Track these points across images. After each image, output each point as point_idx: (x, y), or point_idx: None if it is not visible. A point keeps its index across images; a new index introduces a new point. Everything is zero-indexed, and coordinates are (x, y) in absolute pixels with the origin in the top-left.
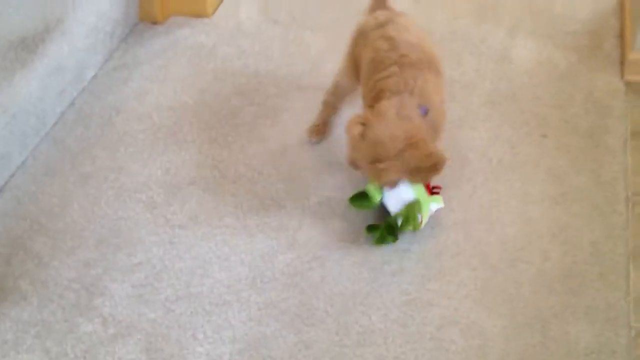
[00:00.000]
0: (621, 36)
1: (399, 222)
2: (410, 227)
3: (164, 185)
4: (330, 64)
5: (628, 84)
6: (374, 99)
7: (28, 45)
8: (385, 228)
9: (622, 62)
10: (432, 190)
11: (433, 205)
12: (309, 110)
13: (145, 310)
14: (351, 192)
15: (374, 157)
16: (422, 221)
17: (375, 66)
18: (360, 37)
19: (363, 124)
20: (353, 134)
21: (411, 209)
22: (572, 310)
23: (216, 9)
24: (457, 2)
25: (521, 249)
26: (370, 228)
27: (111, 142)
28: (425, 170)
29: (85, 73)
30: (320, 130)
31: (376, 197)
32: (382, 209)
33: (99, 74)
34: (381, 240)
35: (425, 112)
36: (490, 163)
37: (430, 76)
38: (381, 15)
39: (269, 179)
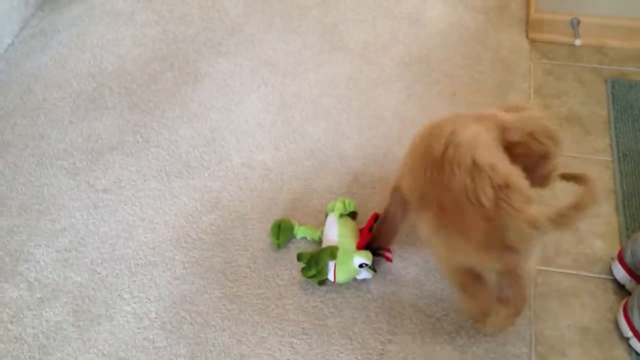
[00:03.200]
0: None
1: (303, 265)
2: (315, 277)
3: (86, 151)
4: (249, 27)
5: (532, 42)
6: None
7: None
8: (308, 261)
9: (527, 21)
10: (368, 246)
11: (358, 259)
12: (229, 75)
13: (71, 273)
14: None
15: None
16: (334, 273)
17: None
18: None
19: None
20: None
21: (319, 255)
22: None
23: None
24: None
25: None
26: (301, 256)
27: (31, 109)
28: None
29: (0, 41)
30: None
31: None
32: None
33: (16, 42)
34: (307, 273)
35: None
36: (404, 122)
37: None
38: None
39: (192, 142)
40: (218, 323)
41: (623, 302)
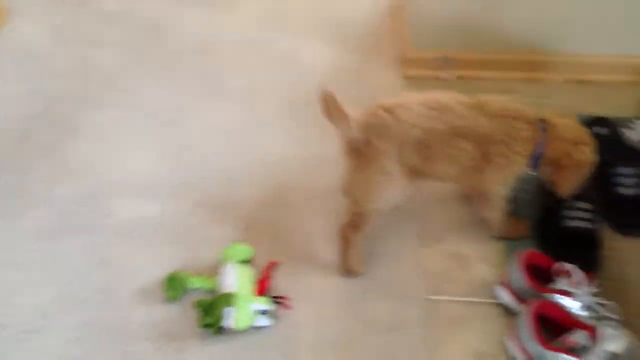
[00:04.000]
0: (399, 36)
1: (199, 314)
2: (211, 325)
3: None
4: (125, 79)
5: (407, 79)
6: None
7: None
8: (204, 309)
9: (402, 59)
10: (265, 291)
11: (256, 306)
12: (108, 128)
13: None
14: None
15: None
16: (232, 321)
17: None
18: None
19: None
20: None
21: (215, 303)
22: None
23: (1, 28)
24: (245, 11)
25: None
26: (197, 304)
27: None
28: None
29: None
30: None
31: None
32: None
33: None
34: (203, 321)
35: None
36: (290, 164)
37: None
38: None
39: (73, 198)
40: None
41: (510, 325)
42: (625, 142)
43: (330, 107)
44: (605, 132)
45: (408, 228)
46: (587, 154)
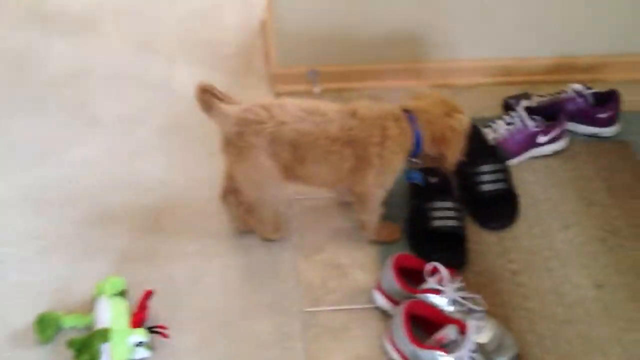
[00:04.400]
0: (266, 54)
1: (73, 354)
2: None
3: None
4: None
5: (278, 95)
6: None
7: None
8: (79, 348)
9: (271, 76)
10: (141, 322)
11: (133, 338)
12: None
13: None
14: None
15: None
16: (109, 357)
17: None
18: None
19: None
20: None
21: (89, 340)
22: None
23: None
24: (116, 37)
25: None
26: (71, 343)
27: None
28: None
29: None
30: None
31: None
32: None
33: None
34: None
35: None
36: (169, 189)
37: None
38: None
39: None
40: None
41: (386, 327)
42: (486, 141)
43: (207, 100)
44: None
45: (286, 240)
46: (463, 120)
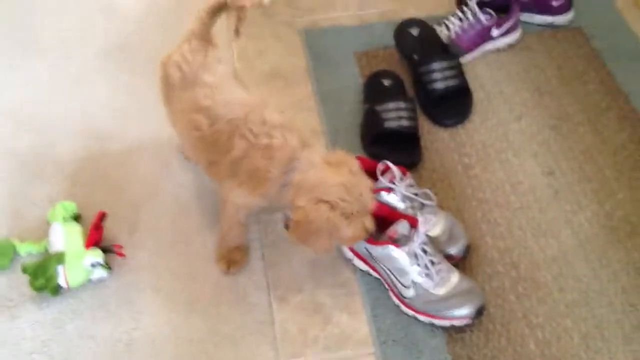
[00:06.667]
0: None
1: (29, 278)
2: (45, 287)
3: None
4: None
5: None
6: None
7: None
8: (34, 271)
9: None
10: (96, 243)
11: (88, 259)
12: None
13: None
14: None
15: None
16: (65, 278)
17: None
18: None
19: None
20: None
21: (43, 264)
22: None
23: None
24: None
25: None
26: (26, 268)
27: None
28: None
29: None
30: None
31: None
32: None
33: None
34: (35, 284)
35: None
36: (115, 114)
37: None
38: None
39: None
40: None
41: None
42: (438, 39)
43: None
44: (416, 32)
45: (256, 282)
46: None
